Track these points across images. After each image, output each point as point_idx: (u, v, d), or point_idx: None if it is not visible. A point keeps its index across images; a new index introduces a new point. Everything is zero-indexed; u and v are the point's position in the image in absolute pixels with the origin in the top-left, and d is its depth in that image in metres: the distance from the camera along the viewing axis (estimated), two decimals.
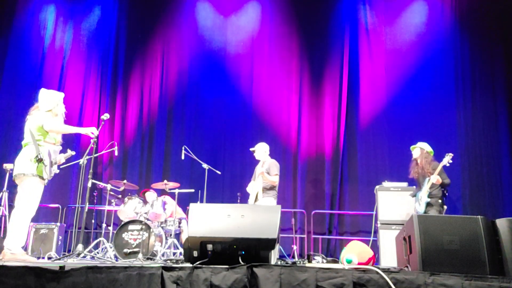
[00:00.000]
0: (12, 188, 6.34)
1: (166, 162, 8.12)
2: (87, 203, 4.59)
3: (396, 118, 7.68)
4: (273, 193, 5.42)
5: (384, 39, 8.09)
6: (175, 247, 5.81)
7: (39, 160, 4.03)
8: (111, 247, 5.46)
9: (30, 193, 4.04)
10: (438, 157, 5.41)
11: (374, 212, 5.91)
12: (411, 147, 5.60)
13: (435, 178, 5.07)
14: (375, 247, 5.34)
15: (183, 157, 6.09)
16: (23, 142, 4.19)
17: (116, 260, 5.13)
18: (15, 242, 3.94)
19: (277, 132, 8.05)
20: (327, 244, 7.42)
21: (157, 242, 5.60)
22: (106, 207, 6.39)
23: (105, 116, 4.78)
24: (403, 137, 7.33)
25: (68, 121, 7.94)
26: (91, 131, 4.35)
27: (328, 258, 4.95)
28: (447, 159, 5.14)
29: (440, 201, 5.14)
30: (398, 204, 5.73)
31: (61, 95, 4.49)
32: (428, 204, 5.12)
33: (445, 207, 5.22)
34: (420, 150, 5.44)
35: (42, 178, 4.10)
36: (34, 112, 4.29)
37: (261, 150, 5.68)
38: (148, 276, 2.70)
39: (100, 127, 4.68)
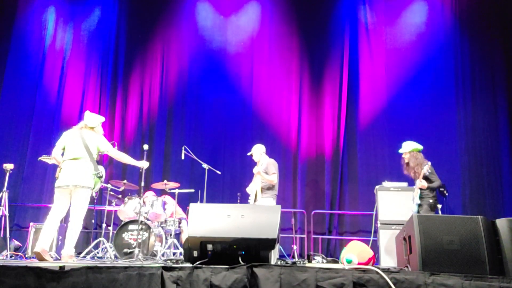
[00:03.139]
0: (12, 188, 6.35)
1: (166, 162, 8.12)
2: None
3: (396, 118, 7.67)
4: (272, 193, 5.41)
5: (384, 39, 8.08)
6: (175, 247, 5.81)
7: (100, 177, 4.44)
8: (111, 247, 5.46)
9: (87, 204, 4.42)
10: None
11: (374, 212, 5.89)
12: (400, 151, 5.50)
13: (420, 184, 5.05)
14: (375, 247, 5.32)
15: (183, 157, 6.09)
16: (73, 156, 4.37)
17: (116, 260, 5.12)
18: (72, 248, 4.26)
19: (277, 132, 8.04)
20: (327, 244, 7.41)
21: (157, 242, 5.59)
22: (106, 207, 6.39)
23: (146, 147, 5.36)
24: (403, 137, 7.27)
25: (68, 121, 7.99)
26: (144, 164, 5.00)
27: (328, 258, 4.95)
28: (426, 168, 5.01)
29: (431, 200, 5.09)
30: (398, 204, 5.71)
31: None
32: (419, 206, 5.11)
33: (439, 205, 5.15)
34: (409, 152, 5.34)
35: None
36: (90, 133, 4.55)
37: (257, 152, 5.70)
38: (148, 276, 2.70)
39: (144, 157, 5.25)
